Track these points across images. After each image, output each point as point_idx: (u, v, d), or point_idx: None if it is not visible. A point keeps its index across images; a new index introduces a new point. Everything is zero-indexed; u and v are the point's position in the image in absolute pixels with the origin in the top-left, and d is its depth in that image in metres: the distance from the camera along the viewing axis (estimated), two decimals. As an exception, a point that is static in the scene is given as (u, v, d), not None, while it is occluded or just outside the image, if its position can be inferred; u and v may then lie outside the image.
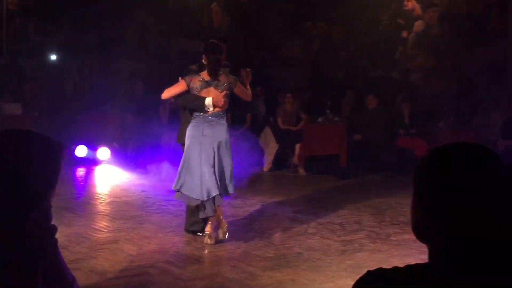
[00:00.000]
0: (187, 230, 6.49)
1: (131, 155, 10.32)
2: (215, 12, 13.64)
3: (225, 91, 6.10)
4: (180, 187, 6.10)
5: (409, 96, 11.17)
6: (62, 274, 1.91)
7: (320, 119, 10.85)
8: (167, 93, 6.26)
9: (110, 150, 10.29)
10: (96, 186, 9.07)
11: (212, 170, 5.98)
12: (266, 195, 8.66)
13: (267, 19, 13.54)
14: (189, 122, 6.19)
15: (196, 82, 6.11)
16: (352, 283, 4.52)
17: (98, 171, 10.07)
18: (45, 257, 1.82)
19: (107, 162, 10.24)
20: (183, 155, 6.17)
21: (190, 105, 6.22)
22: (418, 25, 12.77)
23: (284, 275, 5.27)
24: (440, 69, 12.56)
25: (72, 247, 5.76)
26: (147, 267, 5.36)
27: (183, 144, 6.28)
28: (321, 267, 5.51)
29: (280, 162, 10.87)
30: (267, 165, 10.67)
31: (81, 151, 9.95)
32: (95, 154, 10.21)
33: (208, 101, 6.02)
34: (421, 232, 1.45)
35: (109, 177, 9.57)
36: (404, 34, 12.87)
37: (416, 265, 1.41)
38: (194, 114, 6.14)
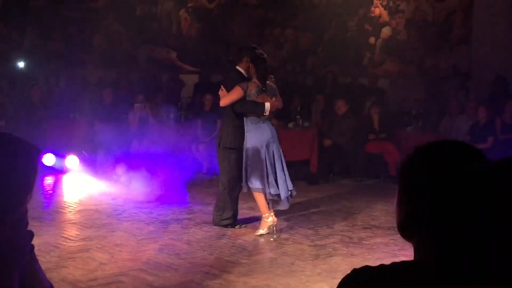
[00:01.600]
0: (219, 224, 6.95)
1: (100, 163, 10.18)
2: (184, 19, 13.60)
3: (273, 97, 6.72)
4: (270, 190, 6.66)
5: (378, 101, 11.27)
6: (39, 280, 1.87)
7: (290, 125, 10.87)
8: (227, 100, 6.65)
9: (79, 158, 10.15)
10: (65, 195, 8.93)
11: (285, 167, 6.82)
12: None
13: (235, 25, 13.55)
14: (236, 127, 6.74)
15: (252, 89, 6.62)
16: (327, 287, 4.51)
17: (66, 179, 9.92)
18: (20, 262, 1.77)
19: (76, 170, 10.09)
20: (253, 158, 6.66)
21: (249, 110, 6.68)
22: (385, 31, 12.92)
23: (259, 281, 5.25)
24: (407, 74, 12.72)
25: (42, 257, 5.65)
26: (120, 275, 5.30)
27: (230, 148, 6.81)
28: (295, 272, 5.52)
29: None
30: (238, 171, 10.64)
31: (49, 159, 9.79)
32: (63, 162, 10.05)
33: (267, 106, 6.63)
34: (406, 230, 1.46)
35: (78, 185, 9.44)
36: (372, 40, 13.00)
37: (402, 262, 1.41)
38: (250, 119, 6.68)
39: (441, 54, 12.70)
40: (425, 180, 1.38)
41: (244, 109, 6.69)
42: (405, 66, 12.83)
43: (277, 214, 7.16)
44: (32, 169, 1.78)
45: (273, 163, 6.69)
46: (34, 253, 1.87)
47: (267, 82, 6.74)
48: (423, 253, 1.40)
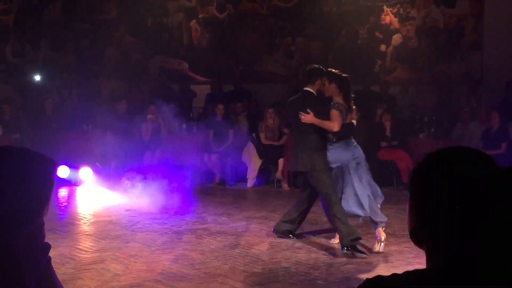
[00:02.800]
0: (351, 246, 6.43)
1: (113, 174, 10.23)
2: (194, 30, 13.68)
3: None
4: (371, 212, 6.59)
5: (389, 109, 11.25)
6: (57, 293, 1.89)
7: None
8: (338, 125, 6.49)
9: (93, 170, 10.22)
10: (79, 207, 8.99)
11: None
12: (251, 210, 8.66)
13: (246, 35, 13.60)
14: (318, 149, 6.59)
15: (343, 110, 6.56)
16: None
17: (80, 191, 9.98)
18: (36, 274, 1.80)
19: (90, 182, 10.16)
20: (347, 179, 6.64)
21: (349, 133, 6.72)
22: (396, 38, 12.92)
23: (273, 290, 5.26)
24: (418, 81, 12.70)
25: (58, 268, 5.66)
26: (135, 286, 5.33)
27: (309, 171, 6.63)
28: (309, 280, 5.52)
29: (263, 177, 10.87)
30: (250, 180, 10.67)
31: (63, 171, 9.86)
32: (77, 174, 10.12)
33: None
34: (417, 237, 1.46)
35: (92, 197, 9.49)
36: (383, 47, 13.00)
37: (414, 271, 1.42)
38: (332, 139, 6.63)
39: (452, 61, 12.68)
40: (435, 187, 1.39)
41: (346, 132, 6.66)
42: (417, 73, 12.82)
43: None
44: (48, 181, 1.81)
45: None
46: (51, 265, 1.89)
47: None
48: (434, 261, 1.41)
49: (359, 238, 6.47)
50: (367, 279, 1.44)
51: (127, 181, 9.71)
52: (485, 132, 10.16)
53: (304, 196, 6.98)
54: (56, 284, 1.91)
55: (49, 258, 1.88)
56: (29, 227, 1.76)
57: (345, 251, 6.32)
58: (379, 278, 1.43)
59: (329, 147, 6.65)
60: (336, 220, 6.43)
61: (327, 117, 6.48)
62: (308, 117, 6.52)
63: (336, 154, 6.64)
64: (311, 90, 6.72)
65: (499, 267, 1.31)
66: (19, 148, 1.84)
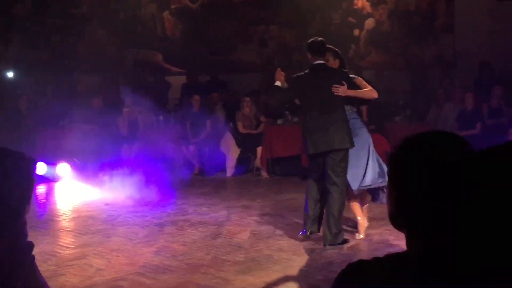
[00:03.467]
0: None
1: (91, 169, 10.17)
2: (168, 20, 13.60)
3: None
4: None
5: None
6: (42, 290, 1.90)
7: (279, 121, 10.92)
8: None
9: (70, 166, 10.15)
10: (58, 203, 8.93)
11: None
12: (231, 200, 8.68)
13: (219, 24, 13.56)
14: (348, 124, 6.20)
15: None
16: (324, 280, 4.55)
17: (58, 187, 9.92)
18: (21, 273, 1.80)
19: (68, 178, 10.09)
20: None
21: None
22: (369, 22, 12.99)
23: (256, 278, 5.29)
24: (392, 65, 12.79)
25: (39, 266, 5.54)
26: (118, 280, 5.32)
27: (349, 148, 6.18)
28: (292, 267, 5.56)
29: (242, 166, 10.90)
30: (229, 170, 10.69)
31: (40, 168, 9.78)
32: (55, 171, 10.05)
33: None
34: (396, 221, 1.49)
35: (70, 193, 9.44)
36: (356, 32, 13.06)
37: (395, 254, 1.44)
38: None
39: (425, 44, 12.80)
40: (412, 171, 1.41)
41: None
42: (391, 57, 12.91)
43: (265, 208, 7.24)
44: (28, 180, 1.81)
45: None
46: (35, 264, 1.90)
47: None
48: (413, 244, 1.43)
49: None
50: (349, 264, 1.47)
51: (105, 176, 9.66)
52: (459, 113, 10.28)
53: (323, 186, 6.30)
54: (41, 282, 1.92)
55: (33, 257, 1.88)
56: (12, 226, 1.76)
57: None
58: (361, 262, 1.45)
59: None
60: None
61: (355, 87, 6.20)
62: (343, 90, 6.06)
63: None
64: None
65: (475, 251, 1.33)
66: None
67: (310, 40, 6.37)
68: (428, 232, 1.38)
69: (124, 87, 11.96)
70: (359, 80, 6.40)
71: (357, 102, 6.55)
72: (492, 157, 1.31)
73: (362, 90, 6.29)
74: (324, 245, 6.12)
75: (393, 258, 1.41)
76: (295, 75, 6.43)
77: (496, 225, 1.29)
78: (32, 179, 1.83)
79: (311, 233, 6.33)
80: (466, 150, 1.39)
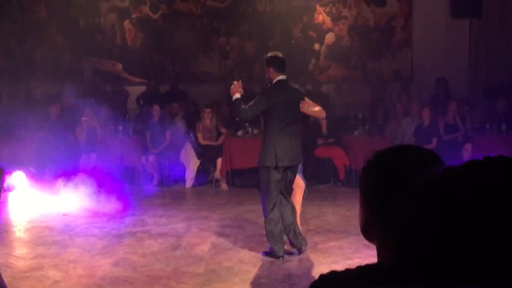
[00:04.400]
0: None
1: (48, 179, 9.98)
2: (128, 30, 13.50)
3: None
4: None
5: (323, 107, 11.41)
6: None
7: (239, 133, 10.92)
8: None
9: (26, 175, 9.94)
10: (13, 213, 8.72)
11: None
12: (190, 211, 8.63)
13: (180, 35, 13.53)
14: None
15: None
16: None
17: (13, 197, 9.69)
18: None
19: (23, 187, 9.88)
20: None
21: None
22: (329, 37, 13.14)
23: (217, 290, 5.28)
24: (351, 79, 12.96)
25: (-6, 277, 5.52)
26: (76, 292, 5.24)
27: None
28: (253, 279, 5.57)
29: (202, 177, 10.85)
30: (189, 181, 10.63)
31: (13, 177, 9.55)
32: (10, 180, 9.82)
33: None
34: (367, 233, 1.51)
35: (26, 202, 9.23)
36: (316, 46, 13.20)
37: (366, 265, 1.46)
38: None
39: (384, 59, 13.01)
40: (381, 185, 1.44)
41: None
42: (350, 71, 13.08)
43: (225, 219, 7.23)
44: None
45: None
46: (0, 274, 1.86)
47: None
48: (383, 256, 1.46)
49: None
50: (321, 275, 1.47)
51: (62, 185, 9.49)
52: (416, 128, 10.46)
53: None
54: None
55: (-3, 268, 1.84)
56: None
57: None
58: (333, 273, 1.46)
59: None
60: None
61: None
62: (311, 106, 6.63)
63: None
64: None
65: (449, 262, 1.36)
66: None
67: (272, 55, 6.45)
68: (400, 243, 1.40)
69: (83, 96, 11.81)
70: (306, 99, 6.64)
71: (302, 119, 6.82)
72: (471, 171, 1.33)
73: (317, 109, 6.70)
74: (304, 249, 6.34)
75: (365, 270, 1.42)
76: (266, 89, 6.46)
77: (472, 237, 1.32)
78: (0, 189, 1.80)
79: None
80: (438, 164, 1.42)
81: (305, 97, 6.54)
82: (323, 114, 7.01)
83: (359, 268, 1.44)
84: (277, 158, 6.21)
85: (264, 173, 6.31)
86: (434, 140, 10.08)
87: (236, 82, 6.51)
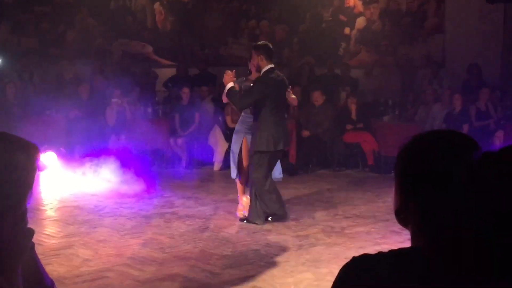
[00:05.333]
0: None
1: (78, 159, 10.10)
2: (158, 12, 13.52)
3: None
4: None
5: (353, 92, 11.35)
6: (40, 277, 1.89)
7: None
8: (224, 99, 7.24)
9: (56, 155, 10.06)
10: (44, 192, 8.85)
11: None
12: (218, 194, 8.66)
13: (210, 18, 13.52)
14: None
15: None
16: (311, 276, 4.58)
17: (44, 176, 9.82)
18: (22, 260, 1.79)
19: (54, 167, 10.00)
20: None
21: None
22: (360, 21, 13.01)
23: (244, 272, 5.30)
24: (382, 64, 12.83)
25: (25, 255, 5.61)
26: (105, 271, 5.30)
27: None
28: (279, 262, 5.57)
29: (230, 161, 10.85)
30: (217, 164, 10.66)
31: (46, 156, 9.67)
32: (41, 160, 9.93)
33: None
34: (401, 217, 1.49)
35: (56, 182, 9.35)
36: (347, 31, 13.08)
37: (399, 249, 1.44)
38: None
39: (415, 43, 12.85)
40: (417, 169, 1.42)
41: None
42: (380, 56, 12.95)
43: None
44: (31, 167, 1.80)
45: None
46: (34, 251, 1.88)
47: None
48: (418, 241, 1.44)
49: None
50: (354, 257, 1.47)
51: (92, 166, 9.59)
52: (447, 114, 10.34)
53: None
54: (40, 269, 1.91)
55: (33, 244, 1.87)
56: (15, 213, 1.74)
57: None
58: (365, 256, 1.45)
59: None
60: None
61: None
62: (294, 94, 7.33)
63: None
64: None
65: (482, 248, 1.34)
66: (1, 134, 1.81)
67: (263, 43, 7.01)
68: (434, 228, 1.39)
69: (113, 78, 11.90)
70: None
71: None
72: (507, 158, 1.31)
73: (293, 96, 7.25)
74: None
75: (399, 254, 1.41)
76: (259, 78, 6.81)
77: (505, 224, 1.30)
78: (35, 167, 1.82)
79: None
80: (476, 150, 1.40)
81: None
82: (295, 102, 7.51)
83: (393, 252, 1.43)
84: (274, 143, 6.74)
85: (260, 158, 6.77)
86: (465, 126, 9.95)
87: (229, 71, 6.91)
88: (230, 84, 6.78)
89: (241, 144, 7.17)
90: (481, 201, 1.34)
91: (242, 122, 7.21)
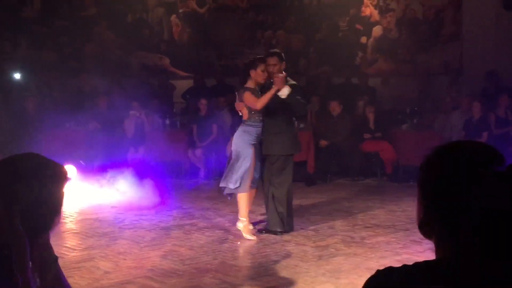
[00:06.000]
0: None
1: (97, 172, 10.16)
2: (175, 24, 13.64)
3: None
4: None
5: (370, 101, 11.33)
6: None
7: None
8: (261, 103, 6.64)
9: (76, 168, 10.13)
10: (64, 205, 8.89)
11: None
12: (236, 205, 8.63)
13: (227, 29, 13.59)
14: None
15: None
16: (332, 287, 4.55)
17: (65, 189, 9.88)
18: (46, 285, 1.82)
19: (74, 179, 10.06)
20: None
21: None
22: (376, 30, 13.00)
23: (264, 283, 5.29)
24: (399, 73, 12.79)
25: (47, 268, 5.65)
26: (126, 283, 5.32)
27: None
28: (299, 273, 5.55)
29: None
30: (235, 175, 10.65)
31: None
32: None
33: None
34: (425, 229, 1.49)
35: (76, 195, 9.41)
36: (363, 39, 13.07)
37: (424, 262, 1.44)
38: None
39: (433, 51, 12.80)
40: (443, 180, 1.41)
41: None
42: (397, 64, 12.92)
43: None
44: (60, 191, 1.84)
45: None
46: (58, 265, 1.91)
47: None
48: (442, 252, 1.43)
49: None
50: (378, 270, 1.46)
51: (111, 178, 9.65)
52: (466, 122, 10.26)
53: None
54: (63, 282, 1.93)
55: (56, 257, 1.89)
56: (43, 238, 1.77)
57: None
58: (390, 269, 1.45)
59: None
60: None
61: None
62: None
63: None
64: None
65: (507, 260, 1.33)
66: (34, 156, 1.85)
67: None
68: (459, 240, 1.38)
69: (131, 90, 11.99)
70: None
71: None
72: None
73: None
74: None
75: (424, 266, 1.41)
76: (296, 84, 6.89)
77: None
78: (63, 192, 1.85)
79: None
80: (501, 163, 1.39)
81: None
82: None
83: (418, 264, 1.42)
84: (298, 146, 7.04)
85: (285, 161, 6.83)
86: (484, 134, 9.87)
87: (280, 74, 6.56)
88: (287, 89, 6.56)
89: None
90: (507, 212, 1.34)
91: (246, 133, 6.80)
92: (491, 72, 11.42)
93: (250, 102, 6.65)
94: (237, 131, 6.92)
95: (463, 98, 10.95)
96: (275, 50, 7.28)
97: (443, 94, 11.74)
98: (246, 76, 6.81)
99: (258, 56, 7.04)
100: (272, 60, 6.79)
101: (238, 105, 6.88)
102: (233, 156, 6.83)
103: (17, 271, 1.73)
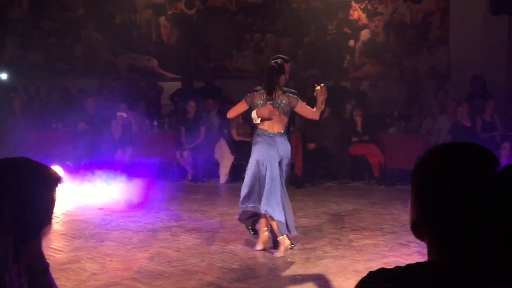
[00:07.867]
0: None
1: (84, 173, 10.09)
2: (163, 26, 13.59)
3: (270, 105, 6.29)
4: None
5: (360, 104, 11.35)
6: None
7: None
8: (232, 113, 6.54)
9: (62, 169, 10.06)
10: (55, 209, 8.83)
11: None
12: (224, 207, 8.65)
13: (215, 31, 13.57)
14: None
15: (257, 99, 6.36)
16: (319, 289, 4.48)
17: (56, 194, 9.80)
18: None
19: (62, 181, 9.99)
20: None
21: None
22: (364, 34, 13.04)
23: (251, 285, 5.28)
24: (387, 76, 12.84)
25: (33, 269, 5.60)
26: (113, 285, 5.29)
27: None
28: (287, 276, 5.55)
29: (236, 173, 10.85)
30: (223, 177, 10.66)
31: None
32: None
33: (253, 113, 6.32)
34: (418, 231, 1.48)
35: (63, 196, 9.32)
36: (351, 43, 13.11)
37: (417, 263, 1.43)
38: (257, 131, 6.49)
39: (420, 56, 12.86)
40: (435, 182, 1.41)
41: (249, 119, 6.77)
42: (385, 68, 12.96)
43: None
44: (52, 200, 1.82)
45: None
46: (49, 272, 1.90)
47: (281, 93, 6.38)
48: (435, 254, 1.43)
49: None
50: (370, 272, 1.45)
51: (98, 180, 9.59)
52: (453, 125, 10.32)
53: None
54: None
55: (48, 264, 1.88)
56: (33, 245, 1.76)
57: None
58: (382, 270, 1.44)
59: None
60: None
61: None
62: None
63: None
64: None
65: (500, 264, 1.33)
66: (23, 161, 1.83)
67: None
68: (453, 241, 1.38)
69: (119, 92, 11.93)
70: None
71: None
72: None
73: None
74: None
75: (416, 267, 1.40)
76: (295, 93, 6.69)
77: None
78: (55, 199, 1.83)
79: None
80: (494, 164, 1.39)
81: None
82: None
83: (410, 266, 1.41)
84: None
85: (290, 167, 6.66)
86: (471, 138, 9.92)
87: (319, 87, 6.46)
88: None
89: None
90: (504, 214, 1.34)
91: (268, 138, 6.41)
92: (475, 77, 11.50)
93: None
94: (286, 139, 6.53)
95: (450, 102, 11.01)
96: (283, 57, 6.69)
97: (430, 98, 11.80)
98: (278, 79, 6.34)
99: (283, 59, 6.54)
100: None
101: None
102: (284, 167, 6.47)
103: None
